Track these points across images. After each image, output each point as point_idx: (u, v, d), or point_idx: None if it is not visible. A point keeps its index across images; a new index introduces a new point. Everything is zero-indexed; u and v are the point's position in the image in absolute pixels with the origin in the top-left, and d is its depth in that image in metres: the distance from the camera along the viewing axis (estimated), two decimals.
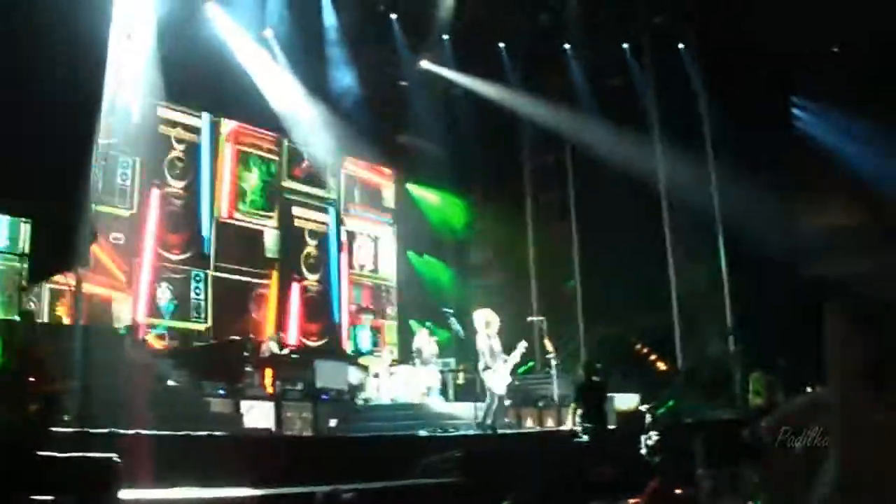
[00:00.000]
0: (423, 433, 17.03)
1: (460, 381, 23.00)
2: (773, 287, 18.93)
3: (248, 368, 18.97)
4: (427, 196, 29.94)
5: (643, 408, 18.70)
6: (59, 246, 13.57)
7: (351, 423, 18.76)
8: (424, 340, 22.94)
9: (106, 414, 11.83)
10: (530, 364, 23.57)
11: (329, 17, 24.45)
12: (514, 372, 18.43)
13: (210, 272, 23.70)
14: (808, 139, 23.56)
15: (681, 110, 24.70)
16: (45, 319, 18.40)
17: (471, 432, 17.66)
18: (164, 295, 22.44)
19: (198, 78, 21.77)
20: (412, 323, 26.92)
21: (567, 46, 26.38)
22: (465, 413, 19.49)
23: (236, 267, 24.39)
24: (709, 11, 23.28)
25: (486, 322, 18.08)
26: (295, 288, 26.01)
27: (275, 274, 25.51)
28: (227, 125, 24.90)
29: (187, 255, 23.24)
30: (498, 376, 17.73)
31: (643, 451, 15.22)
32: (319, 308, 26.66)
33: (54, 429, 10.44)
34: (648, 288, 25.00)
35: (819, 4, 19.69)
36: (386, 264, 29.62)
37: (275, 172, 26.17)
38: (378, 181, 29.69)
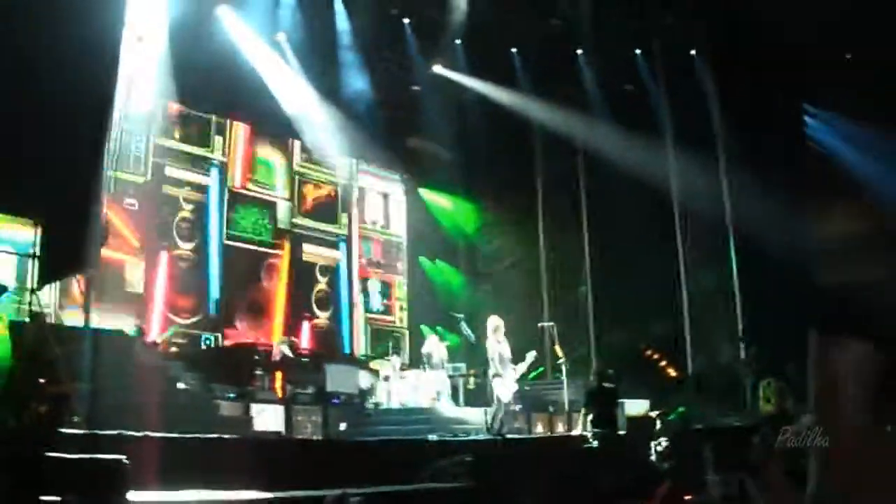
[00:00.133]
0: (432, 438, 17.00)
1: (471, 385, 22.97)
2: (784, 294, 18.89)
3: (258, 372, 18.96)
4: (439, 201, 29.94)
5: (653, 414, 18.69)
6: (69, 248, 13.59)
7: (361, 427, 18.77)
8: (435, 345, 22.90)
9: (115, 416, 11.85)
10: (541, 369, 23.56)
11: (342, 22, 24.45)
12: (522, 380, 18.41)
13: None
14: (819, 146, 23.53)
15: (692, 116, 24.65)
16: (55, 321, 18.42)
17: (480, 437, 17.63)
18: None
19: (210, 81, 21.81)
20: (423, 328, 26.88)
21: (579, 52, 26.38)
22: (475, 418, 19.46)
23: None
24: (721, 17, 23.24)
25: (494, 328, 18.08)
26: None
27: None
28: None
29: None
30: (505, 384, 17.72)
31: (653, 456, 15.22)
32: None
33: (63, 430, 10.44)
34: (659, 294, 24.99)
35: (832, 12, 19.66)
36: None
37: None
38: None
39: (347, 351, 26.37)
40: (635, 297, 24.39)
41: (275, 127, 25.28)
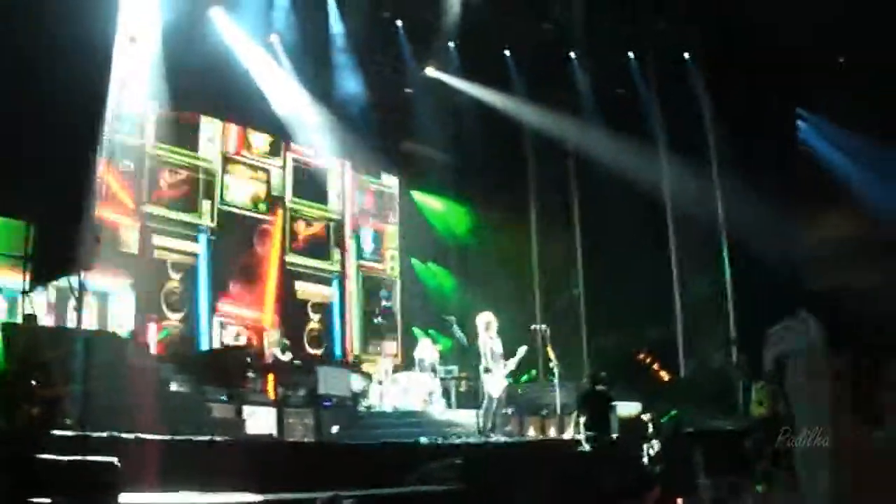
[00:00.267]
0: (424, 440, 17.01)
1: (462, 388, 22.95)
2: (777, 298, 18.94)
3: (250, 374, 18.93)
4: (431, 203, 29.90)
5: (645, 417, 18.70)
6: (61, 249, 13.59)
7: (353, 430, 18.76)
8: (427, 349, 22.89)
9: (107, 418, 11.84)
10: (532, 373, 23.58)
11: (335, 24, 24.44)
12: (512, 375, 18.45)
13: None
14: (811, 151, 23.63)
15: (685, 120, 24.73)
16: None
17: (472, 440, 17.64)
18: None
19: (202, 83, 21.78)
20: (415, 330, 26.86)
21: (572, 55, 26.40)
22: (467, 420, 19.45)
23: None
24: (714, 22, 23.27)
25: (486, 323, 18.15)
26: None
27: None
28: None
29: None
30: (496, 379, 17.77)
31: (645, 459, 15.25)
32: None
33: (55, 432, 10.44)
34: (652, 297, 25.01)
35: (825, 15, 19.70)
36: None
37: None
38: None
39: (339, 354, 26.32)
40: (628, 301, 24.39)
41: (266, 127, 25.22)
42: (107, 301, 20.49)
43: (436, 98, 27.12)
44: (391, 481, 12.48)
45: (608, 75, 26.15)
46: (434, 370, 22.32)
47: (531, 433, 21.35)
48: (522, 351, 18.14)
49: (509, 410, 19.40)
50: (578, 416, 16.66)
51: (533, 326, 22.61)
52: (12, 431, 10.21)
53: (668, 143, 25.69)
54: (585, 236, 27.65)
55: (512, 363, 18.03)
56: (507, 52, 26.47)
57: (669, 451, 14.93)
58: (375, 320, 27.40)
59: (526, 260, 28.90)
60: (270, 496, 10.42)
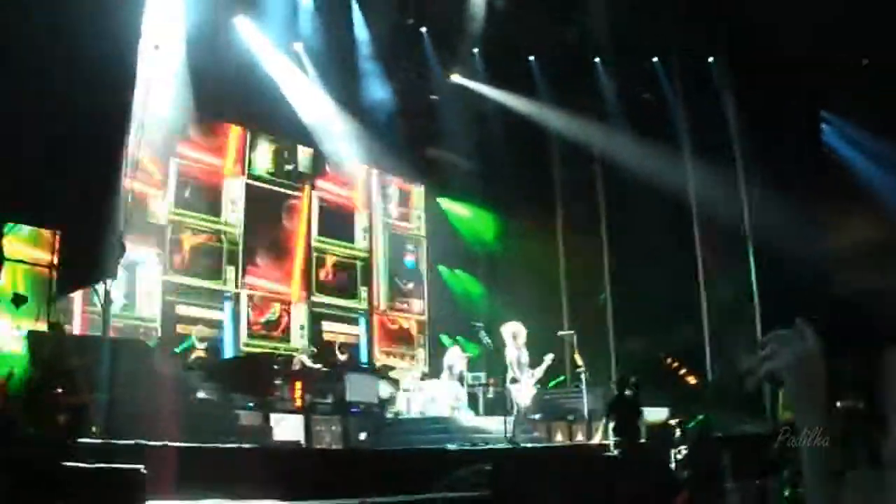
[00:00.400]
0: (451, 447, 16.98)
1: (490, 395, 22.92)
2: (803, 301, 18.85)
3: (277, 381, 18.95)
4: (457, 210, 29.91)
5: (673, 422, 18.65)
6: (87, 258, 13.63)
7: (380, 437, 18.76)
8: (456, 356, 22.85)
9: (133, 426, 11.86)
10: (560, 378, 23.54)
11: (360, 31, 24.48)
12: (540, 384, 18.42)
13: None
14: (836, 154, 23.53)
15: (711, 124, 24.66)
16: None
17: (500, 446, 17.60)
18: None
19: (227, 90, 21.86)
20: (443, 338, 26.82)
21: (597, 61, 26.37)
22: (495, 427, 19.41)
23: None
24: (738, 26, 23.20)
25: (513, 334, 18.14)
26: None
27: None
28: None
29: None
30: (523, 389, 17.74)
31: (672, 465, 15.18)
32: None
33: (81, 440, 10.45)
34: (678, 301, 24.95)
35: (849, 19, 19.62)
36: None
37: None
38: None
39: (366, 361, 26.31)
40: (654, 306, 24.34)
41: (293, 136, 25.27)
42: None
43: (461, 104, 27.10)
44: (419, 488, 12.46)
45: (633, 80, 26.13)
46: (461, 378, 22.28)
47: (559, 438, 21.31)
48: (549, 359, 18.15)
49: (537, 416, 19.36)
50: (607, 422, 16.62)
51: (560, 333, 22.60)
52: (39, 440, 10.22)
53: (693, 147, 25.62)
54: (612, 241, 27.60)
55: (539, 372, 18.03)
56: (531, 58, 26.48)
57: (696, 455, 14.87)
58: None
59: (553, 266, 28.88)
60: (298, 503, 10.42)
